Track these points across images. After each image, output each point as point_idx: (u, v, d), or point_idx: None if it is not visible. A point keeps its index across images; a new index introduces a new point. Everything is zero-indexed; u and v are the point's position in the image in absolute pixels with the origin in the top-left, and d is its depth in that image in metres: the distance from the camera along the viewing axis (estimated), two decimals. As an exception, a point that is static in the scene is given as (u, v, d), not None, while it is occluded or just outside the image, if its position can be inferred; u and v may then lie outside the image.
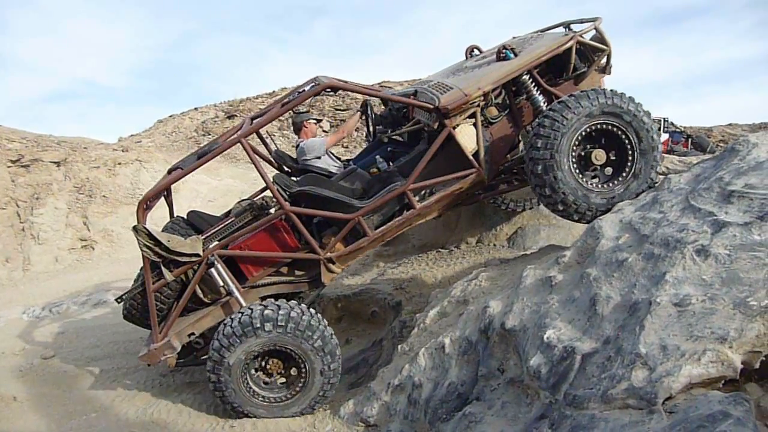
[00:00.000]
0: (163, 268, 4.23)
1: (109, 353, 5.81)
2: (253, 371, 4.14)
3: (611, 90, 3.99)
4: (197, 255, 4.24)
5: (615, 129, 3.97)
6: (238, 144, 4.36)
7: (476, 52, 5.45)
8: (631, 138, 3.98)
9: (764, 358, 2.32)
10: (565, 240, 5.60)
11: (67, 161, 11.07)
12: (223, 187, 11.98)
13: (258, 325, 3.97)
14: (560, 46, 4.36)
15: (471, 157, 4.31)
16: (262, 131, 5.11)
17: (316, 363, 4.08)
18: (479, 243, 6.16)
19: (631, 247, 3.19)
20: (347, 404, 4.07)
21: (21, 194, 10.36)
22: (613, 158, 4.06)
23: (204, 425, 4.24)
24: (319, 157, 4.82)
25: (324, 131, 4.82)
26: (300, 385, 4.14)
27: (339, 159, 5.18)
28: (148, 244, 4.16)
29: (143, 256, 4.21)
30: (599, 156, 4.01)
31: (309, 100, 4.52)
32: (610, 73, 4.73)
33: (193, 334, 4.36)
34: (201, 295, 4.40)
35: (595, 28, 4.51)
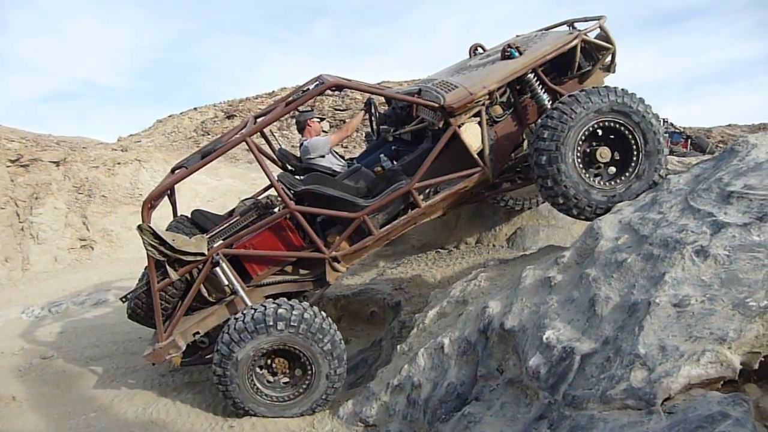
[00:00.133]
0: (168, 267, 4.22)
1: (108, 353, 5.80)
2: (258, 369, 4.13)
3: (622, 89, 3.99)
4: (202, 254, 4.24)
5: (622, 128, 3.98)
6: (241, 143, 4.36)
7: (480, 50, 5.45)
8: (638, 139, 3.98)
9: (763, 359, 2.32)
10: (565, 240, 5.60)
11: (67, 161, 11.06)
12: (223, 187, 11.98)
13: (271, 323, 3.97)
14: (565, 44, 4.35)
15: (476, 156, 4.31)
16: (265, 130, 5.10)
17: (323, 366, 4.09)
18: (478, 243, 6.16)
19: (630, 247, 3.19)
20: (346, 404, 4.07)
21: (20, 194, 10.36)
22: (618, 158, 4.07)
23: (203, 425, 4.24)
24: (323, 156, 4.82)
25: (324, 131, 4.82)
26: (304, 386, 4.14)
27: (343, 158, 5.18)
28: (153, 243, 4.15)
29: (148, 255, 4.20)
30: (604, 154, 4.02)
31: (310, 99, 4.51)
32: (614, 72, 4.73)
33: (197, 333, 4.35)
34: (206, 294, 4.40)
35: (600, 27, 4.51)
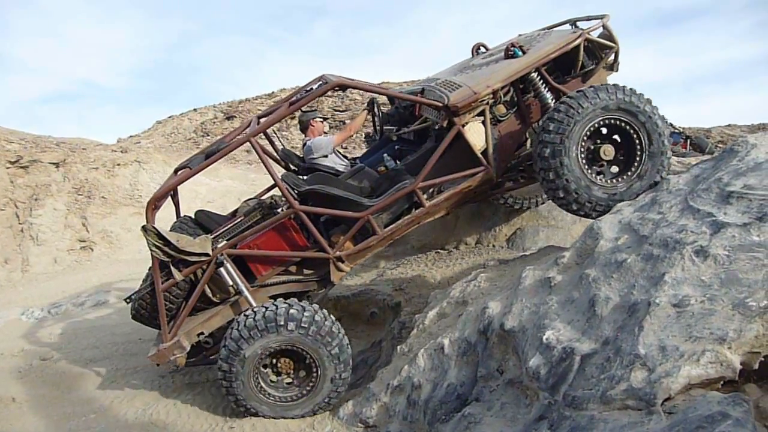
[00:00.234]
0: (172, 267, 4.22)
1: (108, 354, 5.80)
2: (262, 367, 4.13)
3: (631, 88, 4.00)
4: (206, 254, 4.22)
5: (628, 127, 3.98)
6: (244, 143, 4.36)
7: (483, 49, 5.45)
8: (643, 139, 3.99)
9: (763, 359, 2.32)
10: (564, 241, 5.60)
11: (66, 162, 11.06)
12: (222, 188, 11.98)
13: (282, 323, 3.97)
14: (569, 43, 4.35)
15: (480, 155, 4.31)
16: (268, 130, 5.10)
17: (329, 370, 4.09)
18: (478, 244, 6.16)
19: (630, 247, 3.19)
20: (346, 405, 4.07)
21: (20, 195, 10.35)
22: (621, 157, 4.08)
23: (203, 426, 4.24)
24: (326, 156, 4.82)
25: (323, 132, 4.83)
26: (308, 388, 4.14)
27: (346, 157, 5.18)
28: (157, 243, 4.15)
29: (152, 255, 4.20)
30: (608, 151, 4.03)
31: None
32: (617, 70, 4.73)
33: (202, 333, 4.34)
34: (210, 295, 4.39)
35: (603, 26, 4.51)
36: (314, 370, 4.10)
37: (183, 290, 4.35)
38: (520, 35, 5.28)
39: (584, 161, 3.98)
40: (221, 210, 5.58)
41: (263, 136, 5.02)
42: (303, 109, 4.78)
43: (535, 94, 4.49)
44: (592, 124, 3.94)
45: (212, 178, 11.96)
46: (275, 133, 5.40)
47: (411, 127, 4.98)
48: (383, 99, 5.33)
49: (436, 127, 4.52)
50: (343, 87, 4.36)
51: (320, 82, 4.52)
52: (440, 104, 4.23)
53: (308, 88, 4.65)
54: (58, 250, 10.03)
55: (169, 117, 22.29)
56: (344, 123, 16.66)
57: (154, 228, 4.16)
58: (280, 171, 4.91)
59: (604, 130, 4.04)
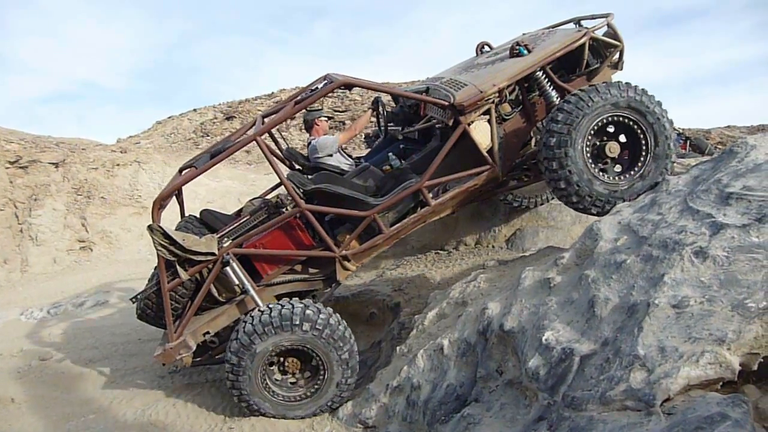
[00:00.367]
0: (178, 267, 4.22)
1: (107, 355, 5.80)
2: (269, 365, 4.13)
3: (642, 88, 4.01)
4: (212, 254, 4.22)
5: (635, 126, 4.00)
6: (250, 142, 4.37)
7: (487, 48, 5.45)
8: (649, 140, 4.00)
9: (762, 360, 2.32)
10: (564, 241, 5.61)
11: (66, 162, 11.05)
12: (222, 188, 11.97)
13: (297, 323, 3.98)
14: (574, 42, 4.36)
15: (485, 154, 4.31)
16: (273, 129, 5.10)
17: (336, 374, 4.10)
18: (478, 244, 6.16)
19: (629, 248, 3.19)
20: (346, 406, 4.08)
21: (19, 195, 10.34)
22: (625, 158, 4.09)
23: (202, 426, 4.24)
24: (331, 155, 4.83)
25: (328, 131, 4.84)
26: (313, 390, 4.15)
27: (350, 157, 5.18)
28: (163, 243, 4.14)
29: (158, 255, 4.19)
30: (613, 148, 4.04)
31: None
32: (622, 69, 4.74)
33: (208, 332, 4.34)
34: (216, 294, 4.39)
35: (608, 24, 4.52)
36: (321, 372, 4.11)
37: (189, 290, 4.35)
38: (524, 34, 5.28)
39: (589, 155, 3.99)
40: (221, 210, 5.58)
41: (268, 136, 5.02)
42: (308, 108, 4.78)
43: (540, 92, 4.50)
44: (600, 119, 3.95)
45: (212, 178, 11.95)
46: (280, 133, 5.39)
47: (416, 126, 4.99)
48: (387, 98, 5.33)
49: (441, 126, 4.53)
50: (348, 86, 4.36)
51: (325, 81, 4.52)
52: (446, 103, 4.23)
53: (313, 87, 4.65)
54: (57, 250, 10.02)
55: (169, 117, 22.28)
56: (344, 123, 16.65)
57: (161, 227, 4.16)
58: (284, 171, 4.91)
59: (612, 128, 4.05)
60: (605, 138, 4.07)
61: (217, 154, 4.42)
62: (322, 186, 4.36)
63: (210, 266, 4.25)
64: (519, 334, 3.20)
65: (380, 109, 5.08)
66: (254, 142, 4.34)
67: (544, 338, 2.95)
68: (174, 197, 4.76)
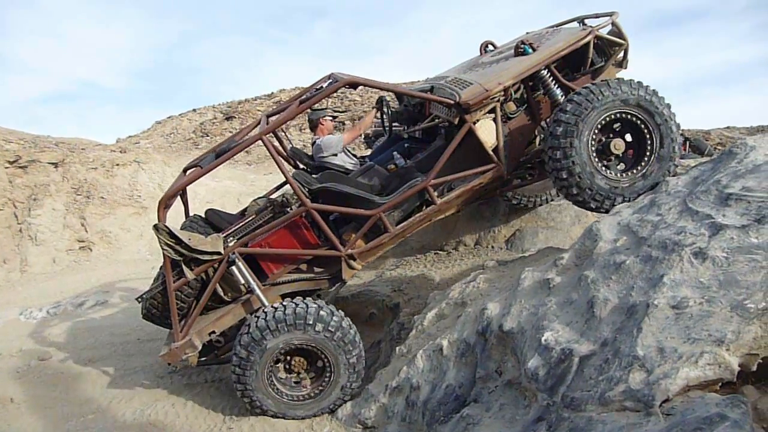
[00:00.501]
0: (183, 266, 4.21)
1: (106, 355, 5.79)
2: (275, 362, 4.13)
3: (653, 88, 4.02)
4: (218, 253, 4.22)
5: (642, 126, 4.00)
6: (256, 142, 4.38)
7: (491, 47, 5.45)
8: (655, 140, 4.01)
9: (761, 361, 2.32)
10: (563, 242, 5.61)
11: (65, 162, 11.04)
12: (222, 188, 11.97)
13: (311, 322, 3.99)
14: (579, 40, 4.36)
15: (491, 152, 4.32)
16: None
17: (342, 377, 4.11)
18: (477, 245, 6.16)
19: (628, 249, 3.19)
20: (345, 406, 4.08)
21: (18, 195, 10.34)
22: (630, 156, 4.09)
23: (201, 426, 4.24)
24: (335, 154, 4.84)
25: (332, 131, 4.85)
26: (317, 391, 4.16)
27: (355, 156, 5.19)
28: (169, 242, 4.14)
29: (164, 254, 4.19)
30: (618, 145, 4.04)
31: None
32: (626, 68, 4.74)
33: (213, 332, 4.34)
34: (221, 294, 4.39)
35: (613, 23, 4.52)
36: (327, 374, 4.12)
37: (194, 289, 4.36)
38: (528, 33, 5.28)
39: (593, 149, 3.99)
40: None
41: (272, 135, 5.02)
42: (313, 107, 4.79)
43: (544, 91, 4.50)
44: (609, 114, 3.95)
45: (212, 178, 11.94)
46: (284, 132, 5.40)
47: (421, 125, 4.99)
48: (391, 97, 5.34)
49: (446, 125, 4.53)
50: (354, 84, 4.36)
51: (330, 80, 4.52)
52: (451, 102, 4.24)
53: (318, 87, 4.65)
54: (56, 250, 10.01)
55: (169, 117, 22.28)
56: (344, 124, 16.65)
57: (166, 227, 4.15)
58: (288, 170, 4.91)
59: (618, 126, 4.05)
60: (611, 135, 4.07)
61: (222, 154, 4.42)
62: (328, 185, 4.36)
63: (215, 266, 4.25)
64: (518, 334, 3.20)
65: (385, 108, 5.09)
66: (258, 141, 4.35)
67: (543, 339, 2.95)
68: (178, 197, 4.77)
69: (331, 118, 5.21)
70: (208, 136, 18.88)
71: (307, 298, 4.18)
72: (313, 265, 4.57)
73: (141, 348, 5.90)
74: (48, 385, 5.18)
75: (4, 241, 9.88)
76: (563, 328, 2.98)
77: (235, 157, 5.20)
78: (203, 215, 4.86)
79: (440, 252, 6.26)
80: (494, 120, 4.32)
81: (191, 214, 4.96)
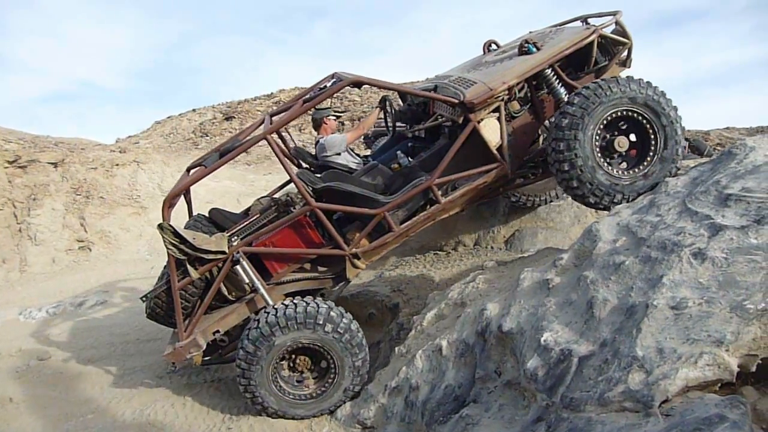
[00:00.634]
0: (188, 265, 4.22)
1: (106, 354, 5.79)
2: (280, 359, 4.13)
3: (662, 90, 4.02)
4: (223, 252, 4.22)
5: (648, 126, 4.01)
6: (260, 141, 4.38)
7: (494, 46, 5.45)
8: (659, 141, 4.01)
9: (761, 362, 2.32)
10: (563, 243, 5.61)
11: (65, 162, 11.03)
12: (221, 188, 11.95)
13: (321, 322, 4.00)
14: (583, 39, 4.36)
15: (495, 151, 4.32)
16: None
17: (346, 379, 4.12)
18: (477, 245, 6.16)
19: (628, 250, 3.19)
20: (344, 406, 4.08)
21: (18, 195, 10.33)
22: (632, 156, 4.10)
23: (201, 426, 4.24)
24: (339, 154, 4.85)
25: (336, 130, 4.85)
26: (319, 392, 4.16)
27: (358, 155, 5.19)
28: (173, 242, 4.14)
29: (168, 254, 4.19)
30: (622, 143, 4.05)
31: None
32: (630, 66, 4.75)
33: (218, 331, 4.34)
34: (226, 293, 4.40)
35: (616, 22, 4.53)
36: (331, 375, 4.13)
37: (198, 288, 4.36)
38: (531, 32, 5.28)
39: (597, 144, 3.99)
40: (220, 210, 5.56)
41: (276, 134, 5.02)
42: (316, 107, 4.78)
43: (548, 90, 4.51)
44: (616, 110, 3.96)
45: (211, 178, 11.92)
46: (288, 132, 5.39)
47: (425, 124, 4.99)
48: (394, 96, 5.35)
49: (450, 124, 4.53)
50: (358, 84, 4.37)
51: (334, 80, 4.52)
52: (456, 101, 4.24)
53: (322, 86, 4.65)
54: (56, 250, 10.00)
55: (168, 117, 22.25)
56: (343, 124, 16.64)
57: (171, 226, 4.16)
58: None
59: (624, 125, 4.06)
60: (616, 132, 4.08)
61: (226, 153, 4.42)
62: (333, 184, 4.36)
63: (220, 265, 4.26)
64: (518, 335, 3.20)
65: (388, 107, 5.09)
66: (260, 141, 4.35)
67: (542, 339, 2.95)
68: (182, 196, 4.77)
69: (334, 117, 5.21)
70: (207, 136, 18.87)
71: (318, 298, 4.19)
72: (317, 265, 4.58)
73: (140, 348, 5.90)
74: (47, 385, 5.18)
75: (3, 240, 9.87)
76: (562, 328, 2.98)
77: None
78: (207, 214, 4.86)
79: (439, 252, 6.26)
80: (498, 119, 4.32)
81: (194, 213, 4.97)
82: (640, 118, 4.00)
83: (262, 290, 4.25)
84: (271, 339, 3.98)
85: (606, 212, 3.95)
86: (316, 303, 4.08)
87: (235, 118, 19.71)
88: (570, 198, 5.88)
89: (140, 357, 5.67)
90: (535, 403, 2.83)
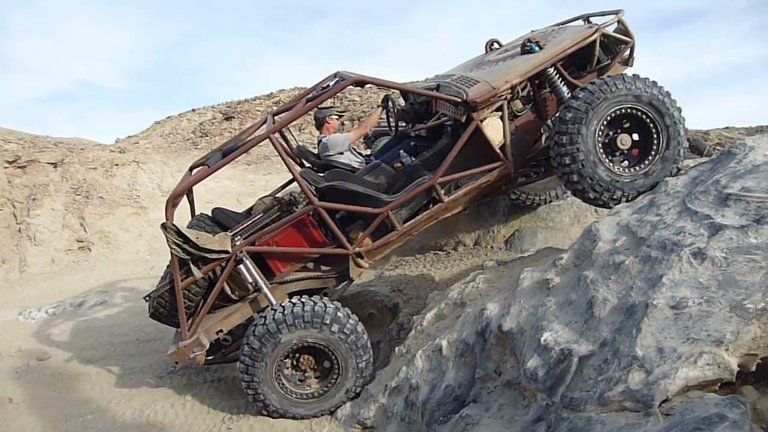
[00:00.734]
0: (191, 265, 4.21)
1: (105, 355, 5.79)
2: (284, 357, 4.13)
3: (667, 90, 4.03)
4: (226, 251, 4.23)
5: (651, 125, 4.01)
6: (263, 140, 4.38)
7: (496, 45, 5.45)
8: (662, 140, 4.01)
9: (760, 361, 2.32)
10: (563, 242, 5.61)
11: (64, 162, 11.03)
12: (221, 188, 11.95)
13: (327, 322, 4.00)
14: (585, 38, 4.37)
15: (498, 150, 4.32)
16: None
17: (349, 381, 4.11)
18: (477, 245, 6.16)
19: (628, 249, 3.19)
20: (344, 406, 4.08)
21: (17, 195, 10.33)
22: (634, 154, 4.10)
23: (201, 426, 4.24)
24: (342, 153, 4.85)
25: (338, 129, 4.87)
26: (321, 391, 4.16)
27: (361, 154, 5.19)
28: (176, 241, 4.13)
29: (172, 253, 4.18)
30: (624, 141, 4.06)
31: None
32: (632, 65, 4.75)
33: (221, 331, 4.34)
34: (229, 292, 4.39)
35: (619, 20, 4.53)
36: (334, 376, 4.12)
37: (202, 288, 4.36)
38: (533, 31, 5.28)
39: (600, 140, 3.99)
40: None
41: (279, 134, 5.01)
42: (319, 106, 4.78)
43: (551, 89, 4.51)
44: (620, 107, 3.96)
45: (211, 178, 11.91)
46: (290, 131, 5.39)
47: (428, 123, 4.99)
48: (397, 95, 5.35)
49: (452, 123, 4.53)
50: (360, 83, 4.37)
51: (336, 79, 4.52)
52: (459, 100, 4.24)
53: (324, 85, 4.65)
54: (55, 250, 10.00)
55: (168, 117, 22.25)
56: (343, 125, 16.64)
57: (174, 225, 4.15)
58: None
59: (627, 123, 4.06)
60: (619, 130, 4.08)
61: (228, 153, 4.42)
62: (336, 183, 4.36)
63: (223, 264, 4.26)
64: (517, 334, 3.20)
65: (391, 106, 5.09)
66: (264, 140, 4.35)
67: (542, 339, 2.95)
68: (184, 196, 4.77)
69: (337, 116, 5.22)
70: (207, 136, 18.86)
71: (324, 298, 4.19)
72: (320, 264, 4.58)
73: (140, 348, 5.90)
74: (47, 385, 5.18)
75: (3, 241, 9.87)
76: (562, 328, 2.98)
77: (235, 157, 5.16)
78: (210, 214, 4.86)
79: (439, 252, 6.26)
80: (501, 118, 4.32)
81: (197, 213, 4.96)
82: (643, 116, 4.00)
83: (266, 289, 4.24)
84: (277, 336, 3.98)
85: (606, 212, 3.96)
86: (324, 303, 4.09)
87: (234, 118, 19.70)
88: (570, 198, 5.90)
89: (140, 357, 5.67)
90: (535, 402, 2.83)
